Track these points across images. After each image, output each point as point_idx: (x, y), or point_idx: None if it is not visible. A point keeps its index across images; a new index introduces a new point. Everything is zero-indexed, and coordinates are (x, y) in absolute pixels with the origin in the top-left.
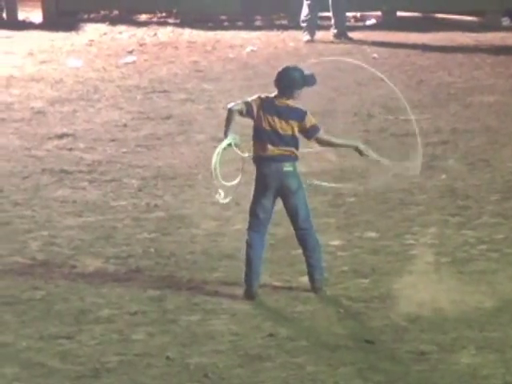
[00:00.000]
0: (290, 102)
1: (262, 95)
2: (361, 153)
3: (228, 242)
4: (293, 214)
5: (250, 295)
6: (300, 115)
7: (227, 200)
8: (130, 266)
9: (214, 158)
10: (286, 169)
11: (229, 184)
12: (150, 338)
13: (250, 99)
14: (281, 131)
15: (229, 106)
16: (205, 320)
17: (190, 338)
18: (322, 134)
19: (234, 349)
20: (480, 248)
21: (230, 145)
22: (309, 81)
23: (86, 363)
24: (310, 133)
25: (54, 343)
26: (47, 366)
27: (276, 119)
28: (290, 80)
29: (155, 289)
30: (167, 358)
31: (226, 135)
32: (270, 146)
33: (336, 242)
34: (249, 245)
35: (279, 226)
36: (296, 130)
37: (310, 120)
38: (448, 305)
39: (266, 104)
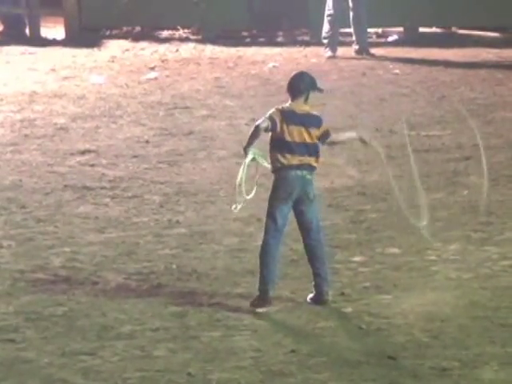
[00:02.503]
0: (309, 108)
1: (279, 107)
2: (364, 142)
3: (250, 257)
4: (307, 224)
5: (264, 302)
6: (319, 122)
7: (239, 207)
8: (152, 282)
9: (240, 174)
10: (308, 176)
11: (249, 197)
12: (171, 354)
13: (271, 113)
14: (308, 141)
15: (256, 123)
16: (226, 336)
17: (211, 354)
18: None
19: (255, 365)
20: (502, 264)
21: (253, 159)
22: (317, 85)
23: (108, 379)
24: (323, 139)
25: (76, 359)
26: (69, 383)
27: (302, 129)
28: (303, 83)
29: (177, 305)
30: (189, 374)
31: (246, 151)
32: (292, 156)
33: (358, 258)
34: (264, 250)
35: (300, 242)
36: (315, 137)
37: (323, 126)
38: (470, 321)
39: (286, 115)
